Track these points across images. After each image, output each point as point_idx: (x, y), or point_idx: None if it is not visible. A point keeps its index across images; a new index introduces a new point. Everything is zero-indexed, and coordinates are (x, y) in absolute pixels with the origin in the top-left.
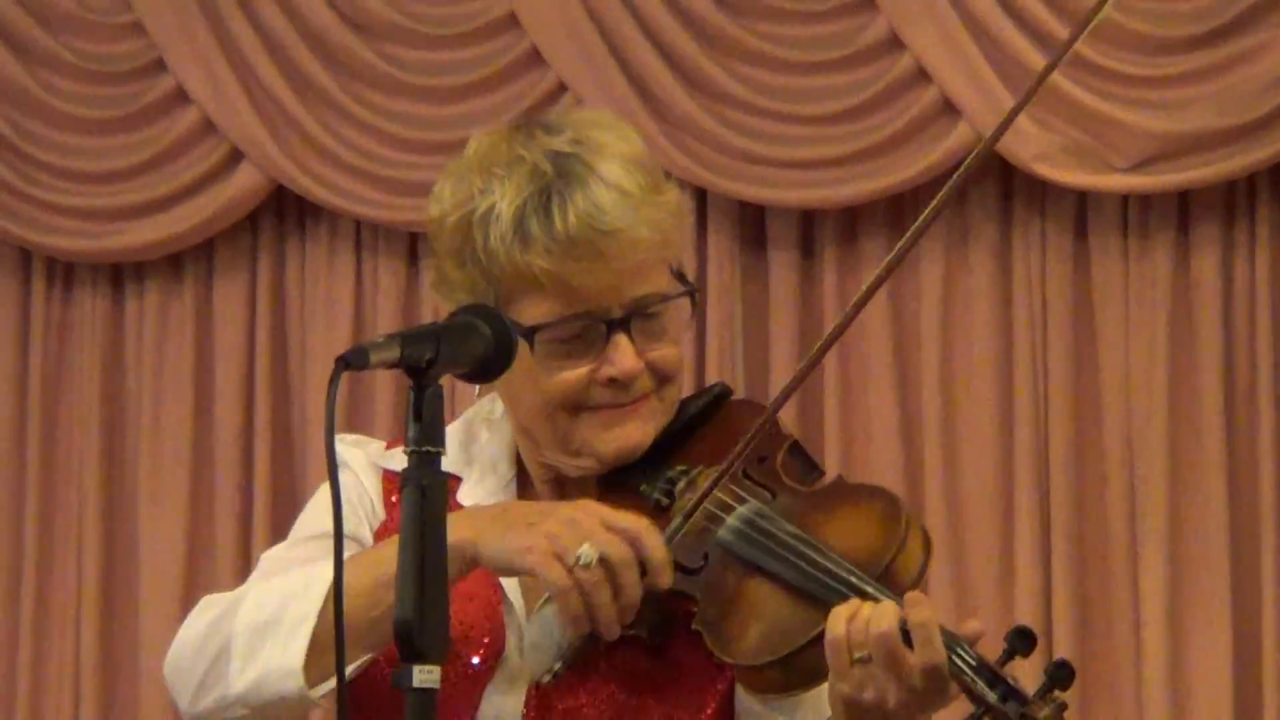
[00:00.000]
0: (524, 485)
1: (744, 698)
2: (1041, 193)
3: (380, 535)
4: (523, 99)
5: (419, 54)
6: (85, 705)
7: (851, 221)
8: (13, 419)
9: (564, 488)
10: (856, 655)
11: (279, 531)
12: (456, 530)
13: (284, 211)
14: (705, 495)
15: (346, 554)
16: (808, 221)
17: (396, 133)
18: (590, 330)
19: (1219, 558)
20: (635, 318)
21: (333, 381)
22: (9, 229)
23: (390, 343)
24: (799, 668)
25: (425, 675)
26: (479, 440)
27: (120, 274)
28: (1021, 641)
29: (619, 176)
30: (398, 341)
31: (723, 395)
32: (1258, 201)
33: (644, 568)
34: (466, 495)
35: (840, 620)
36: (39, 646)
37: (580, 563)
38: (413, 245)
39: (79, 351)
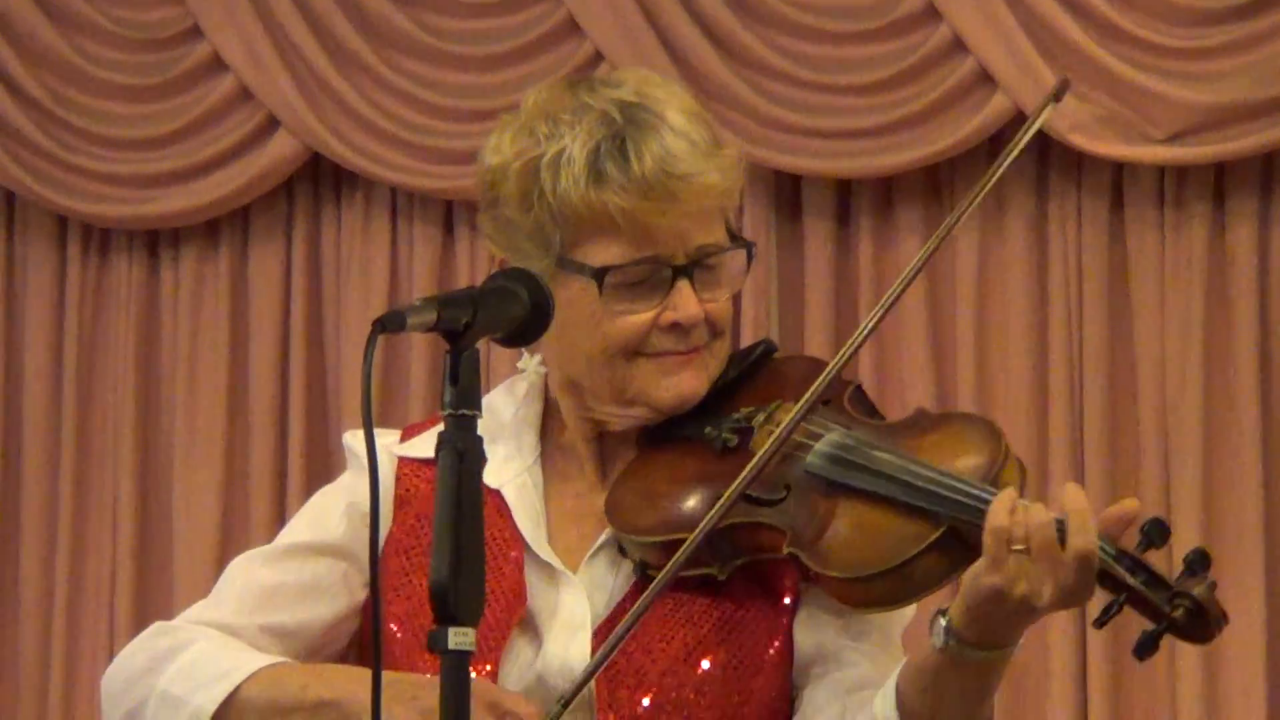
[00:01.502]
0: (549, 464)
1: (815, 634)
2: (1078, 164)
3: (387, 548)
4: (559, 67)
5: (455, 22)
6: None
7: (888, 191)
8: (48, 385)
9: (605, 445)
10: (1015, 547)
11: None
12: (346, 688)
13: (320, 179)
14: (798, 422)
15: (333, 573)
16: (844, 191)
17: (433, 100)
18: (655, 275)
19: (1253, 528)
20: (696, 268)
21: (369, 345)
22: (45, 195)
23: (427, 307)
24: (910, 578)
25: (460, 637)
26: (502, 418)
27: (156, 240)
28: (1157, 532)
29: (686, 127)
30: (434, 305)
31: (769, 351)
32: None
33: None
34: (492, 477)
35: (1003, 511)
36: (73, 613)
37: None
38: (448, 213)
39: (114, 318)
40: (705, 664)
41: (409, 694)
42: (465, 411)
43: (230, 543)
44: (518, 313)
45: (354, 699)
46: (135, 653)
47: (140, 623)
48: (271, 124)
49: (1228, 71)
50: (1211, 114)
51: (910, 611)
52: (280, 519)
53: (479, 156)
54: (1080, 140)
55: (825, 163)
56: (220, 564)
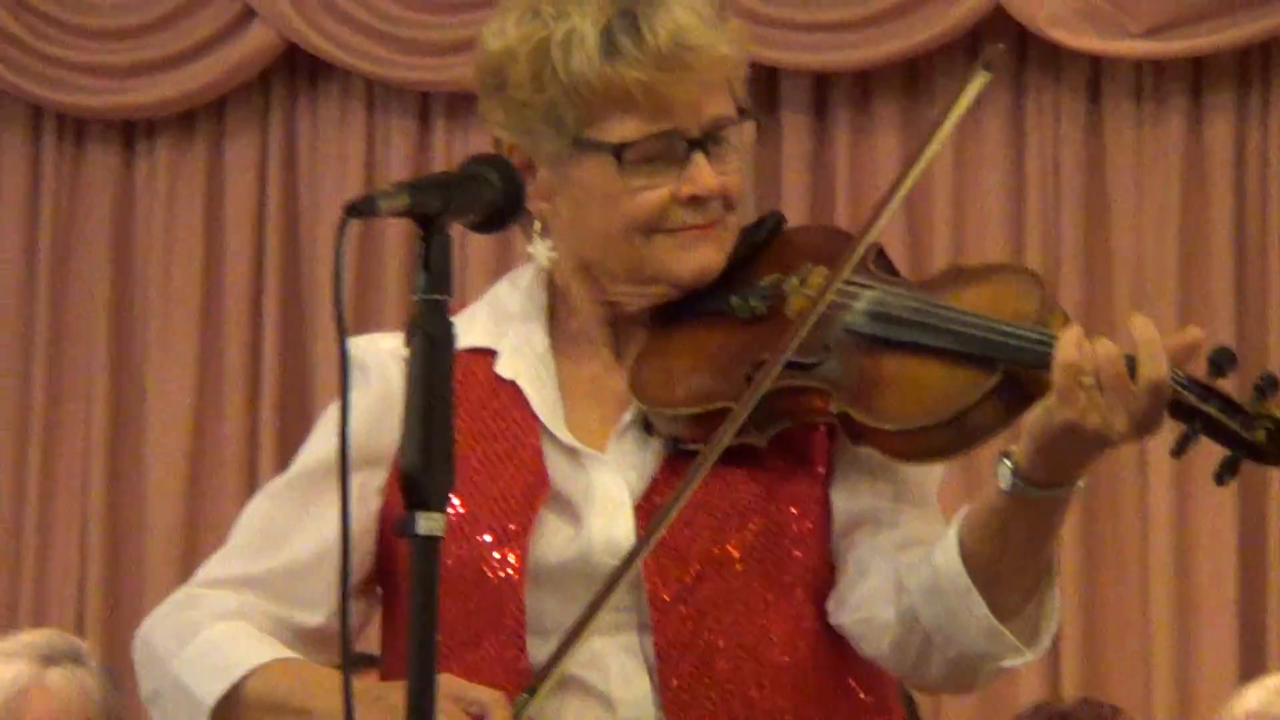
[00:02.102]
0: (561, 351)
1: (854, 499)
2: (1055, 57)
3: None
4: None
5: None
6: (92, 558)
7: (865, 85)
8: (22, 276)
9: (618, 327)
10: (1085, 381)
11: (286, 389)
12: (322, 696)
13: (296, 70)
14: (837, 280)
15: (359, 481)
16: (821, 84)
17: None
18: (671, 149)
19: None
20: (710, 141)
21: (340, 229)
22: (20, 85)
23: (399, 191)
24: (968, 427)
25: (430, 523)
26: (509, 309)
27: (131, 131)
28: (1225, 359)
29: (692, 1)
30: (406, 190)
31: (779, 222)
32: (1272, 68)
33: None
34: (505, 368)
35: (1071, 346)
36: (46, 503)
37: None
38: (424, 105)
39: (89, 209)
40: (746, 534)
41: (373, 695)
42: (437, 296)
43: (203, 431)
44: (490, 197)
45: (327, 708)
46: (162, 626)
47: (113, 512)
48: (247, 15)
49: None
50: (1189, 8)
51: (941, 470)
52: (254, 406)
53: (479, 43)
54: (1058, 34)
55: (803, 56)
56: (193, 453)
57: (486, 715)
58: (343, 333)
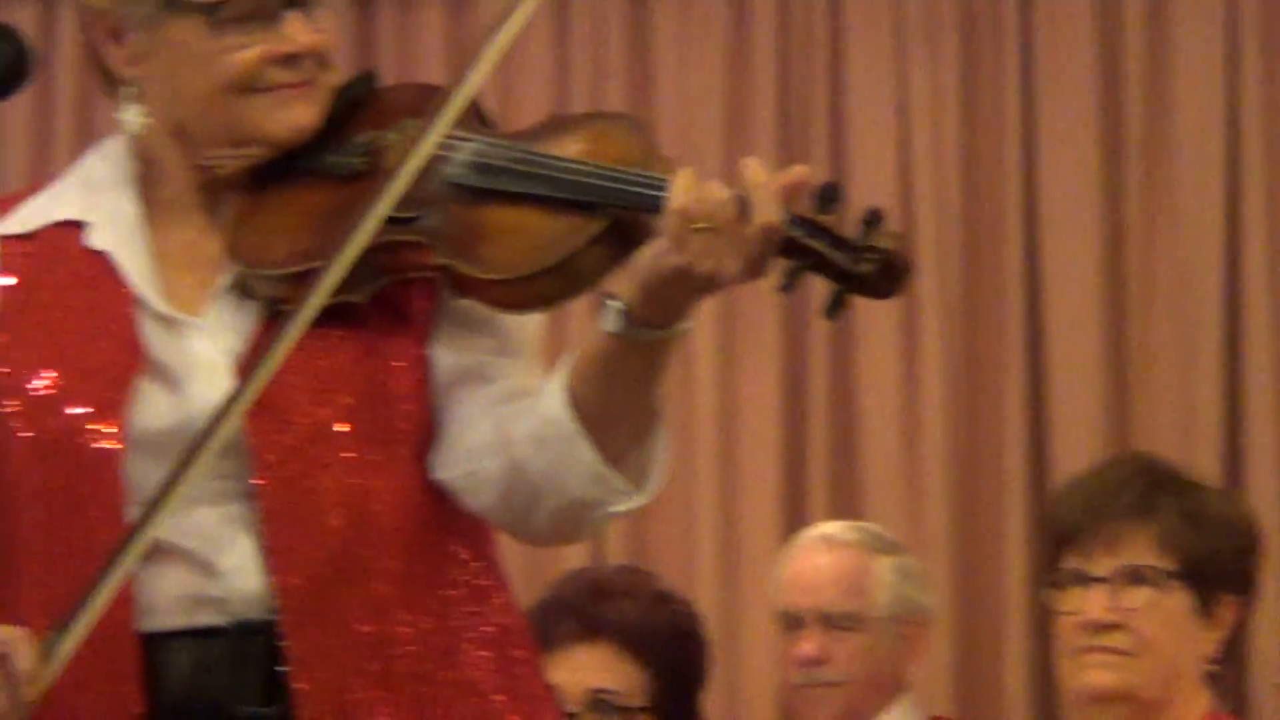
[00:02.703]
0: (154, 219)
1: (455, 354)
2: None
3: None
4: None
5: None
6: None
7: None
8: None
9: (213, 193)
10: (698, 226)
11: None
12: None
13: None
14: (428, 131)
15: None
16: None
17: None
18: (264, 8)
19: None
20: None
21: None
22: None
23: None
24: (575, 272)
25: None
26: (98, 181)
27: None
28: (832, 194)
29: None
30: None
31: (373, 79)
32: None
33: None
34: (96, 239)
35: (684, 192)
36: None
37: None
38: None
39: None
40: (348, 393)
41: None
42: None
43: None
44: None
45: None
46: None
47: None
48: None
49: None
50: None
51: (540, 322)
52: None
53: None
54: None
55: None
56: None
57: (10, 655)
58: None
